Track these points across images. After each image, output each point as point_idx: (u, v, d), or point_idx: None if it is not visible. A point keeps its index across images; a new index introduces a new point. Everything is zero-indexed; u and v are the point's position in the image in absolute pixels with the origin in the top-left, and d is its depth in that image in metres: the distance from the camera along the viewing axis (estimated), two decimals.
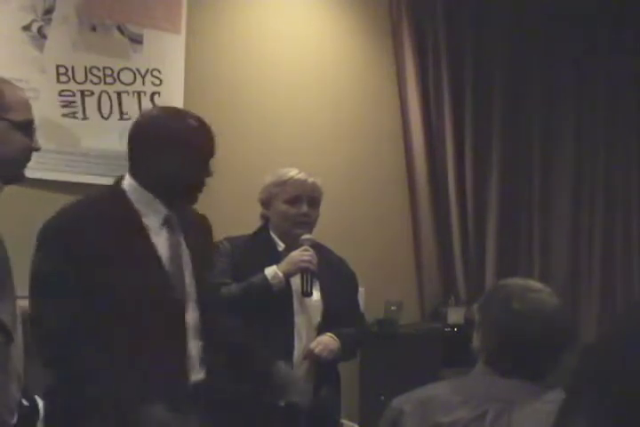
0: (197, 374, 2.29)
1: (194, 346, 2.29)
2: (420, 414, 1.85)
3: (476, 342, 1.92)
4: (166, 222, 2.30)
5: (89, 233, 2.18)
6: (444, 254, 4.84)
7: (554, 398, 1.76)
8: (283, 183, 2.96)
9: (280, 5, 4.47)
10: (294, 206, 2.94)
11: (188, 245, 2.34)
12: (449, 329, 4.55)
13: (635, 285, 5.12)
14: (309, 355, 2.83)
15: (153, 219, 2.29)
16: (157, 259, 2.25)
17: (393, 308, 4.58)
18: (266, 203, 3.01)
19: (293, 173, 2.99)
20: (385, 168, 4.77)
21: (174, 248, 2.30)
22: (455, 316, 4.61)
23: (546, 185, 5.07)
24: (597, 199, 5.15)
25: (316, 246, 2.95)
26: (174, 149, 2.27)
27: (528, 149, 5.08)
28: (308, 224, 2.96)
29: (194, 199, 2.37)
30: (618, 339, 1.17)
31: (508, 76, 4.98)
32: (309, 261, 2.84)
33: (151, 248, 2.26)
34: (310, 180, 2.98)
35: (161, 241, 2.28)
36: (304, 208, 2.94)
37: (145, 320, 2.18)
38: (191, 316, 2.29)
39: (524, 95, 5.05)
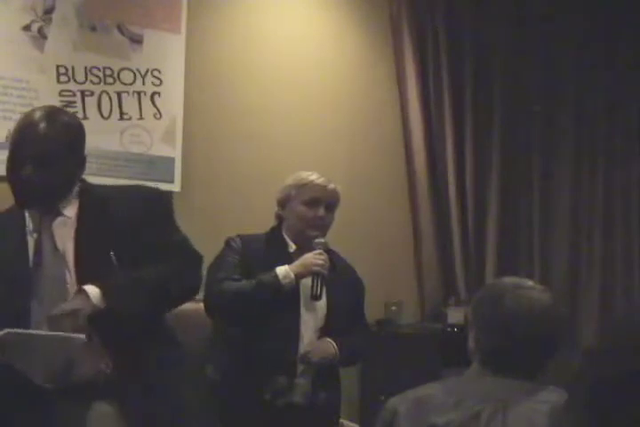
0: None
1: None
2: (414, 414, 1.85)
3: (471, 342, 1.92)
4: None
5: None
6: (443, 254, 4.84)
7: (548, 398, 1.77)
8: (303, 186, 2.97)
9: (280, 6, 4.47)
10: (312, 209, 2.94)
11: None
12: (449, 329, 4.55)
13: (635, 285, 5.11)
14: (302, 358, 2.84)
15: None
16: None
17: (393, 308, 4.58)
18: (282, 203, 3.01)
19: (315, 176, 3.01)
20: (385, 168, 4.77)
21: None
22: (455, 316, 4.60)
23: (546, 185, 5.07)
24: (597, 198, 5.14)
25: (328, 252, 2.96)
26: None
27: (528, 148, 5.07)
28: (323, 228, 2.97)
29: (22, 201, 2.27)
30: (617, 346, 1.18)
31: (508, 76, 4.98)
32: (322, 266, 2.84)
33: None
34: (331, 186, 3.00)
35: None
36: (321, 211, 2.94)
37: None
38: None
39: (524, 95, 5.04)
